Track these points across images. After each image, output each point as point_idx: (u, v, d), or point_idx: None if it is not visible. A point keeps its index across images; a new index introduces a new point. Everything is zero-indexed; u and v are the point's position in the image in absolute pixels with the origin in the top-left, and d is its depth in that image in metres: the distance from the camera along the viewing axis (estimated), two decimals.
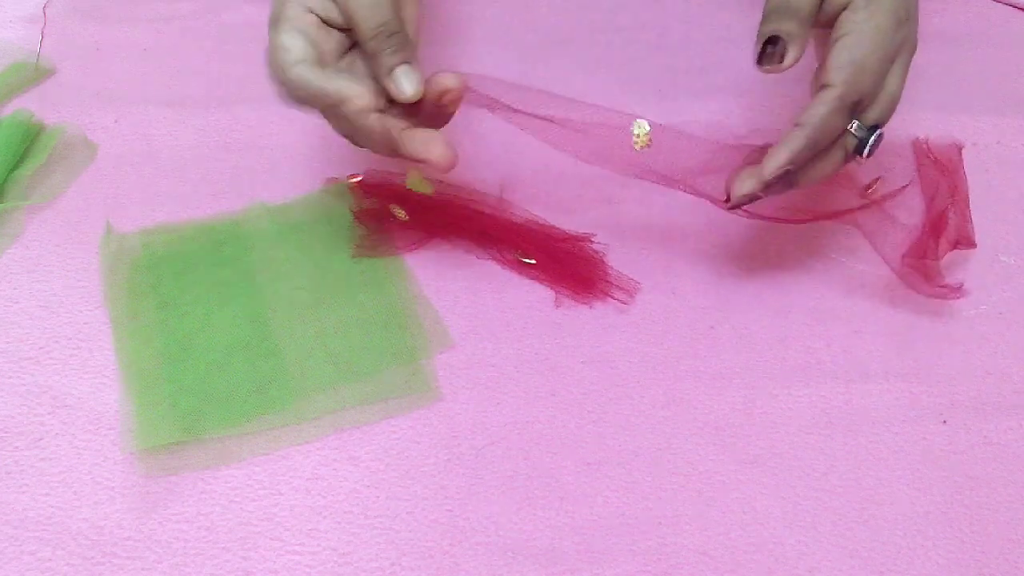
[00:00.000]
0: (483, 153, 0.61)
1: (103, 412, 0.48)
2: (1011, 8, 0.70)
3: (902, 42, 0.47)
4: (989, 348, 0.50)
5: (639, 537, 0.43)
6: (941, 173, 0.57)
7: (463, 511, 0.44)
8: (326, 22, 0.47)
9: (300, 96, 0.46)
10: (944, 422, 0.47)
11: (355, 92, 0.45)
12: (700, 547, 0.43)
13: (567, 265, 0.53)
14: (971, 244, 0.54)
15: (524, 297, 0.53)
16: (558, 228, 0.55)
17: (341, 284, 0.53)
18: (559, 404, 0.48)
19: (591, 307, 0.52)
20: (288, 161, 0.60)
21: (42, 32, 0.69)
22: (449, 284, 0.53)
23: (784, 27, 0.45)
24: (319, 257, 0.54)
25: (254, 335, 0.50)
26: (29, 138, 0.60)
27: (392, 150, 0.47)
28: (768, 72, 0.46)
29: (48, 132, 0.61)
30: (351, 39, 0.48)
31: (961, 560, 0.43)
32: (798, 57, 0.46)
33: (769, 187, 0.46)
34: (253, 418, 0.47)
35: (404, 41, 0.46)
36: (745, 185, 0.46)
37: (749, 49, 0.48)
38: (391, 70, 0.46)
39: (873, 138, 0.47)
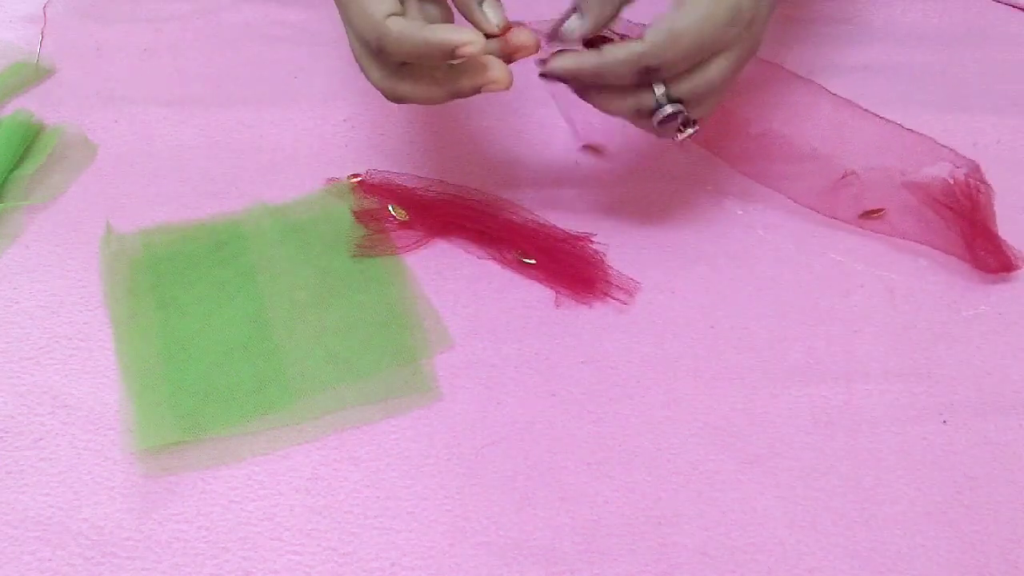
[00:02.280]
0: (483, 153, 0.61)
1: (103, 412, 0.48)
2: (1011, 8, 0.70)
3: (735, 39, 0.46)
4: (989, 348, 0.50)
5: (639, 537, 0.43)
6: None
7: (463, 511, 0.44)
8: None
9: (398, 48, 0.45)
10: (944, 422, 0.47)
11: (468, 37, 0.44)
12: (700, 547, 0.43)
13: (567, 265, 0.53)
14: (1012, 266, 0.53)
15: (524, 297, 0.53)
16: (558, 228, 0.55)
17: (341, 284, 0.53)
18: (559, 404, 0.48)
19: (591, 307, 0.52)
20: (288, 161, 0.60)
21: (42, 32, 0.69)
22: (449, 284, 0.53)
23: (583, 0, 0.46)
24: (319, 257, 0.54)
25: (254, 335, 0.50)
26: (29, 138, 0.60)
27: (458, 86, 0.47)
28: (557, 40, 0.46)
29: (48, 132, 0.61)
30: None
31: (961, 560, 0.43)
32: (587, 32, 0.46)
33: (562, 80, 0.47)
34: (253, 418, 0.47)
35: None
36: (557, 62, 0.47)
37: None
38: (481, 1, 0.46)
39: (671, 110, 0.47)
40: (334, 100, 0.64)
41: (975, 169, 0.54)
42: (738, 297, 0.53)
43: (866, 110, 0.59)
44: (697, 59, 0.46)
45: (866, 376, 0.49)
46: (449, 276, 0.54)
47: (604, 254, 0.54)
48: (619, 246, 0.55)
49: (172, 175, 0.60)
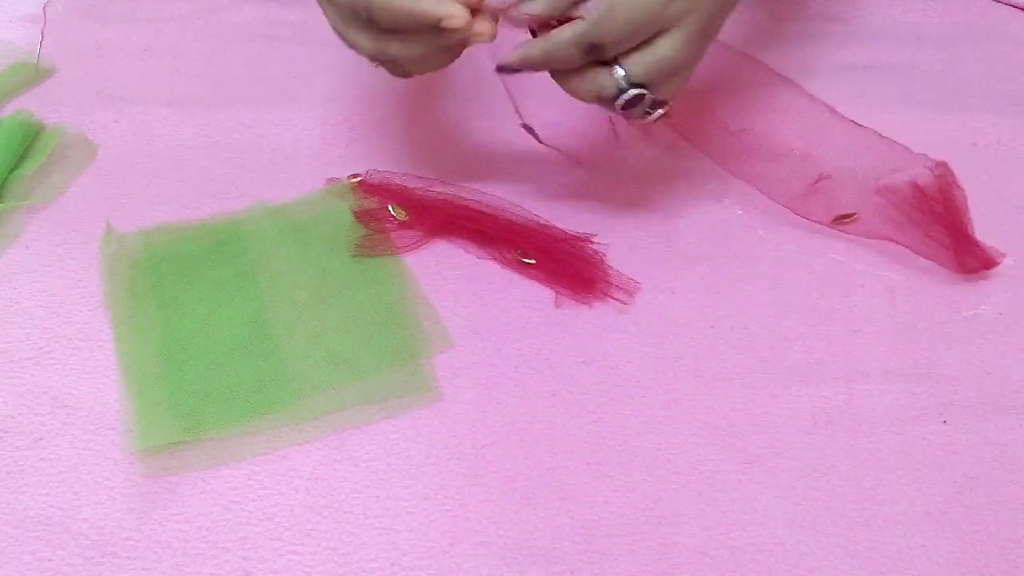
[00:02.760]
0: (483, 153, 0.61)
1: (103, 412, 0.48)
2: (1011, 8, 0.70)
3: (681, 14, 0.46)
4: (989, 348, 0.50)
5: (639, 537, 0.43)
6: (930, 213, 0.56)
7: (463, 511, 0.44)
8: None
9: (388, 16, 0.45)
10: (944, 422, 0.47)
11: (454, 11, 0.44)
12: (700, 547, 0.43)
13: (567, 265, 0.53)
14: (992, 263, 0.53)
15: (524, 297, 0.53)
16: (558, 228, 0.55)
17: (341, 284, 0.53)
18: (559, 404, 0.48)
19: (591, 307, 0.52)
20: (288, 161, 0.60)
21: (42, 32, 0.69)
22: (449, 284, 0.53)
23: None
24: (319, 257, 0.54)
25: (254, 335, 0.50)
26: (29, 138, 0.60)
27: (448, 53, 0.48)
28: (513, 19, 0.46)
29: (48, 132, 0.61)
30: None
31: (961, 560, 0.43)
32: (541, 11, 0.46)
33: (516, 71, 0.48)
34: (253, 418, 0.47)
35: None
36: (507, 58, 0.47)
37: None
38: None
39: (632, 95, 0.47)
40: (334, 100, 0.64)
41: (947, 172, 0.54)
42: (738, 297, 0.53)
43: (841, 115, 0.59)
44: (642, 34, 0.46)
45: (866, 376, 0.49)
46: (449, 276, 0.54)
47: (604, 254, 0.54)
48: (619, 246, 0.55)
49: (172, 175, 0.60)
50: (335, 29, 0.49)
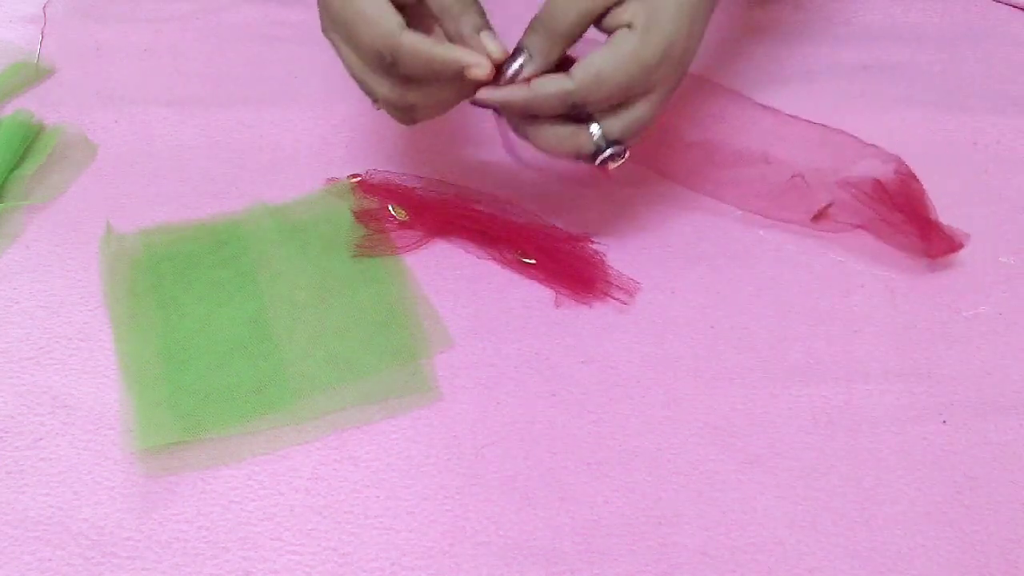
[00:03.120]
0: (483, 153, 0.61)
1: (103, 412, 0.48)
2: (1011, 8, 0.70)
3: (664, 78, 0.47)
4: (989, 348, 0.50)
5: (639, 537, 0.43)
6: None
7: (463, 511, 0.44)
8: None
9: (412, 62, 0.45)
10: (944, 422, 0.47)
11: (478, 60, 0.45)
12: (700, 547, 0.43)
13: (567, 265, 0.53)
14: (959, 245, 0.53)
15: (524, 297, 0.53)
16: (558, 228, 0.55)
17: (341, 284, 0.53)
18: (559, 404, 0.48)
19: (591, 307, 0.52)
20: (288, 161, 0.60)
21: (42, 32, 0.69)
22: (449, 284, 0.53)
23: (531, 40, 0.46)
24: (319, 257, 0.54)
25: (254, 335, 0.50)
26: (29, 138, 0.60)
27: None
28: (506, 82, 0.47)
29: (48, 132, 0.61)
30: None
31: (961, 560, 0.43)
32: (534, 72, 0.46)
33: (497, 111, 0.48)
34: (253, 418, 0.47)
35: (477, 2, 0.47)
36: (488, 94, 0.47)
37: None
38: (480, 30, 0.46)
39: (609, 152, 0.48)
40: (334, 100, 0.64)
41: (901, 164, 0.55)
42: (738, 297, 0.53)
43: (791, 116, 0.59)
44: (622, 98, 0.47)
45: (866, 376, 0.49)
46: (449, 276, 0.54)
47: (604, 254, 0.54)
48: (619, 246, 0.55)
49: (172, 175, 0.60)
50: (351, 73, 0.49)
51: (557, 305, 0.52)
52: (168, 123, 0.63)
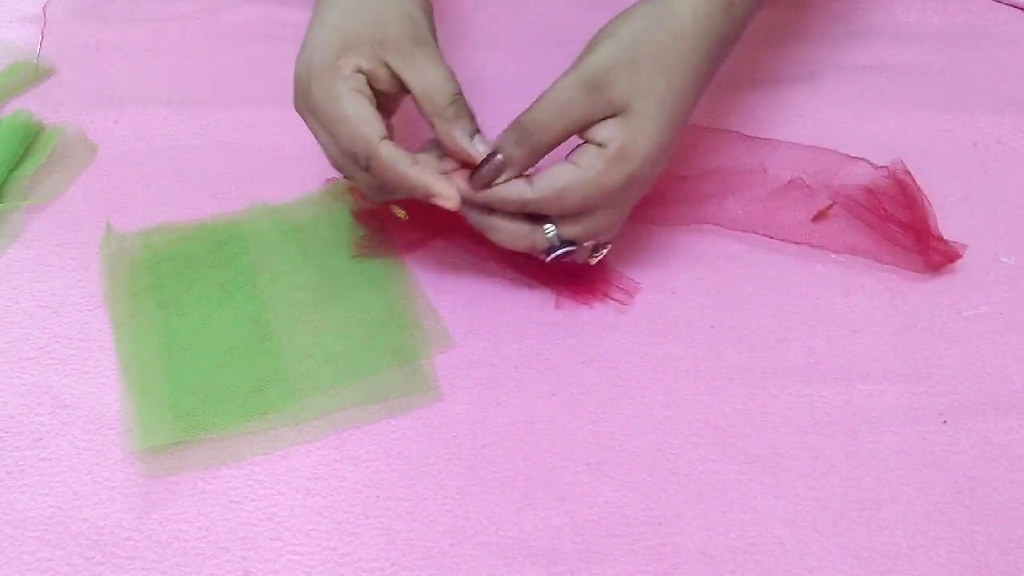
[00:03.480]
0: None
1: (103, 412, 0.48)
2: (1011, 8, 0.70)
3: (627, 199, 0.47)
4: (989, 348, 0.50)
5: (639, 537, 0.43)
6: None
7: (463, 511, 0.44)
8: (371, 83, 0.48)
9: (385, 174, 0.46)
10: (944, 422, 0.47)
11: (448, 192, 0.46)
12: (700, 547, 0.43)
13: (567, 265, 0.53)
14: (955, 255, 0.53)
15: (524, 297, 0.53)
16: None
17: (341, 284, 0.53)
18: (559, 404, 0.48)
19: (591, 307, 0.52)
20: (288, 161, 0.60)
21: (42, 32, 0.69)
22: (449, 284, 0.53)
23: (510, 149, 0.46)
24: (319, 257, 0.54)
25: (254, 335, 0.50)
26: (29, 138, 0.60)
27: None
28: (475, 188, 0.47)
29: (48, 132, 0.61)
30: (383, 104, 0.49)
31: (961, 560, 0.43)
32: (510, 179, 0.47)
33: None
34: (253, 418, 0.47)
35: (467, 106, 0.48)
36: (449, 188, 0.47)
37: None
38: (472, 135, 0.47)
39: (562, 251, 0.48)
40: None
41: (905, 171, 0.55)
42: (738, 297, 0.53)
43: (780, 141, 0.59)
44: (588, 212, 0.47)
45: (866, 376, 0.49)
46: (449, 276, 0.54)
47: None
48: (619, 246, 0.55)
49: (172, 175, 0.60)
50: (326, 153, 0.49)
51: (557, 305, 0.52)
52: (168, 123, 0.63)
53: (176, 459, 0.46)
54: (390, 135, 0.47)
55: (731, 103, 0.63)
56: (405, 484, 0.45)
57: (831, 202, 0.55)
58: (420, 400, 0.48)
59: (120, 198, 0.58)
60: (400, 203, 0.56)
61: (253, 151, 0.61)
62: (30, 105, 0.63)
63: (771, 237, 0.55)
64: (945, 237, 0.53)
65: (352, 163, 0.48)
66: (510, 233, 0.48)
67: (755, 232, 0.55)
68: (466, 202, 0.48)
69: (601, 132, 0.45)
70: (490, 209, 0.48)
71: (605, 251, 0.50)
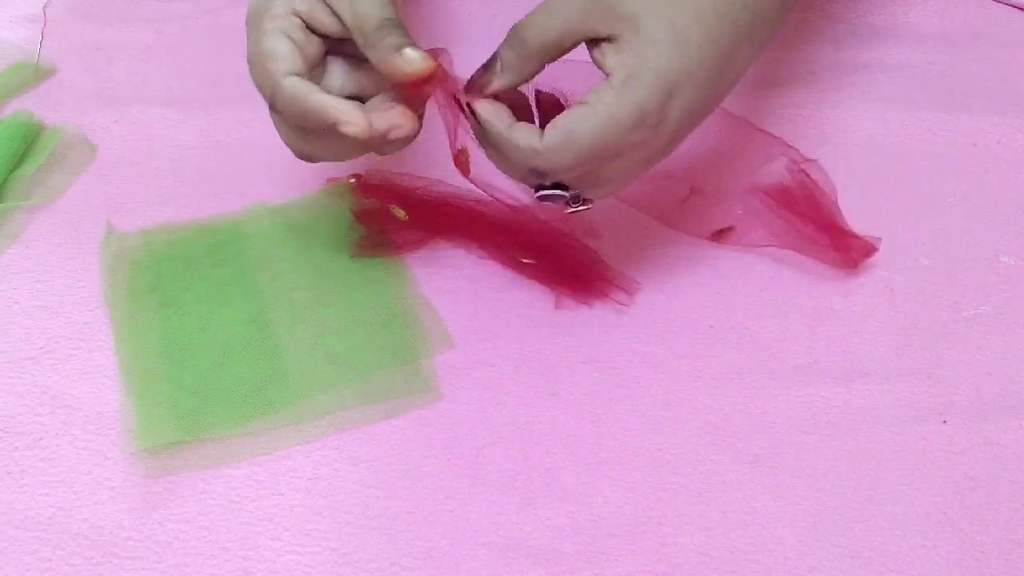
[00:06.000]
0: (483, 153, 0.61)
1: (103, 412, 0.48)
2: (1011, 8, 0.70)
3: (641, 142, 0.43)
4: (989, 348, 0.50)
5: (639, 537, 0.43)
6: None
7: (463, 511, 0.44)
8: (309, 26, 0.46)
9: (289, 109, 0.45)
10: (944, 422, 0.47)
11: (354, 117, 0.43)
12: (700, 547, 0.43)
13: (567, 265, 0.53)
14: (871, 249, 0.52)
15: (524, 297, 0.53)
16: (558, 228, 0.55)
17: (341, 284, 0.53)
18: (559, 404, 0.48)
19: (591, 307, 0.52)
20: (288, 161, 0.60)
21: (42, 32, 0.69)
22: (449, 284, 0.53)
23: (505, 52, 0.44)
24: (319, 257, 0.54)
25: (254, 335, 0.50)
26: (29, 138, 0.60)
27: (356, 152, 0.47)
28: (468, 89, 0.45)
29: (48, 132, 0.61)
30: (327, 47, 0.47)
31: (961, 560, 0.42)
32: (504, 86, 0.44)
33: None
34: (253, 418, 0.47)
35: (406, 31, 0.45)
36: (484, 106, 0.45)
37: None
38: (400, 48, 0.43)
39: (551, 193, 0.46)
40: None
41: (809, 169, 0.54)
42: (738, 297, 0.53)
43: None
44: (593, 165, 0.44)
45: (866, 376, 0.49)
46: (449, 276, 0.54)
47: (604, 254, 0.54)
48: (619, 246, 0.55)
49: (172, 175, 0.60)
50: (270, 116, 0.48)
51: (557, 305, 0.52)
52: (168, 123, 0.63)
53: (176, 459, 0.46)
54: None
55: (731, 103, 0.62)
56: (405, 484, 0.45)
57: (729, 224, 0.54)
58: (420, 400, 0.48)
59: (120, 198, 0.58)
60: (400, 203, 0.56)
61: (253, 151, 0.61)
62: (30, 105, 0.63)
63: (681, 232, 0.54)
64: (944, 237, 0.53)
65: (273, 114, 0.46)
66: (509, 166, 0.46)
67: (666, 225, 0.54)
68: (484, 127, 0.45)
69: (609, 59, 0.43)
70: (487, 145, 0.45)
71: (584, 207, 0.47)
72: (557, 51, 0.44)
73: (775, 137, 0.56)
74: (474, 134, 0.47)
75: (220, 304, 0.52)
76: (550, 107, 0.47)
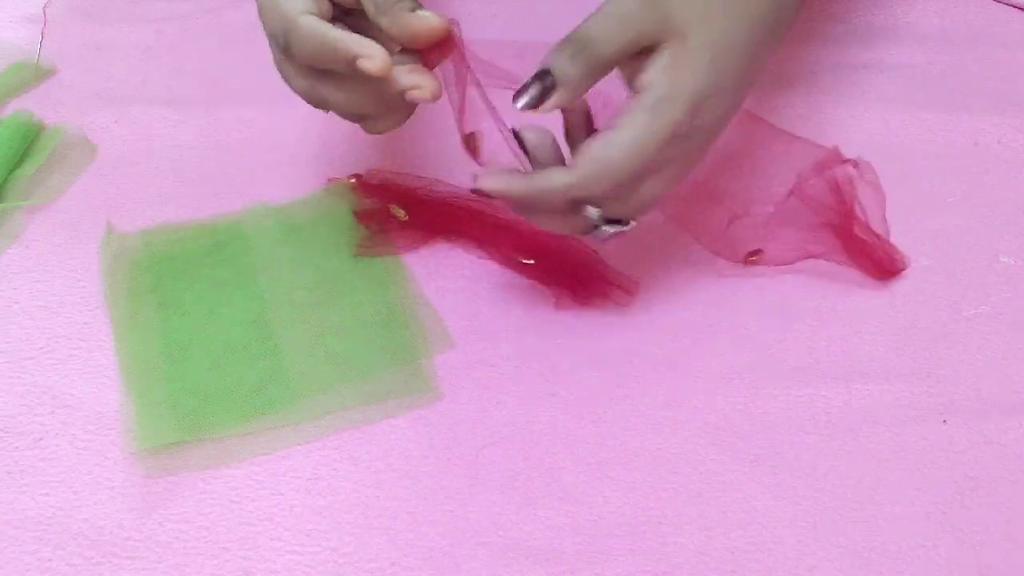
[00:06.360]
0: (483, 152, 0.61)
1: (103, 412, 0.48)
2: (1011, 8, 0.70)
3: (675, 157, 0.43)
4: (989, 348, 0.50)
5: (639, 537, 0.43)
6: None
7: (463, 511, 0.44)
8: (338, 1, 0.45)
9: (305, 48, 0.43)
10: (944, 422, 0.47)
11: (372, 51, 0.41)
12: (700, 547, 0.43)
13: (567, 265, 0.53)
14: (895, 269, 0.53)
15: (524, 297, 0.53)
16: None
17: (341, 284, 0.53)
18: (559, 404, 0.48)
19: (591, 307, 0.52)
20: (288, 161, 0.60)
21: (42, 32, 0.69)
22: (449, 284, 0.53)
23: (561, 65, 0.41)
24: (319, 257, 0.54)
25: (254, 335, 0.50)
26: (29, 138, 0.60)
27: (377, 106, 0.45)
28: (521, 110, 0.42)
29: (48, 132, 0.61)
30: (334, 15, 0.46)
31: (961, 560, 0.43)
32: (559, 105, 0.42)
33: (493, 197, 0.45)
34: (253, 418, 0.47)
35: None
36: (487, 182, 0.44)
37: None
38: (414, 8, 0.42)
39: (611, 231, 0.45)
40: None
41: (855, 170, 0.54)
42: (738, 297, 0.53)
43: (758, 118, 0.57)
44: (636, 182, 0.43)
45: (866, 376, 0.49)
46: (449, 276, 0.54)
47: (604, 254, 0.54)
48: (619, 246, 0.55)
49: (172, 175, 0.60)
50: (276, 63, 0.47)
51: (557, 305, 0.52)
52: (168, 123, 0.63)
53: (176, 459, 0.46)
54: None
55: None
56: (405, 484, 0.45)
57: (759, 248, 0.53)
58: (420, 400, 0.48)
59: (120, 198, 0.58)
60: (400, 203, 0.56)
61: (253, 151, 0.61)
62: (30, 105, 0.63)
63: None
64: (944, 237, 0.53)
65: (284, 57, 0.44)
66: (550, 221, 0.45)
67: (709, 249, 0.54)
68: (505, 196, 0.44)
69: (647, 74, 0.42)
70: (528, 205, 0.44)
71: (626, 227, 0.46)
72: (618, 61, 0.42)
73: (817, 145, 0.56)
74: (517, 157, 0.45)
75: (220, 304, 0.52)
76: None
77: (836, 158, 0.55)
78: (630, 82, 0.43)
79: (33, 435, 0.47)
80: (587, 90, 0.43)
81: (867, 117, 0.62)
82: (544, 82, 0.41)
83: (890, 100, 0.63)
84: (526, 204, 0.45)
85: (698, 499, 0.45)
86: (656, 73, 0.42)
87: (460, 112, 0.47)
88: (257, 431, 0.47)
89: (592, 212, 0.44)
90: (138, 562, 0.43)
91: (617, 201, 0.44)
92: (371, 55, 0.41)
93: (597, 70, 0.42)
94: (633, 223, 0.46)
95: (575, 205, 0.44)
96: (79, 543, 0.43)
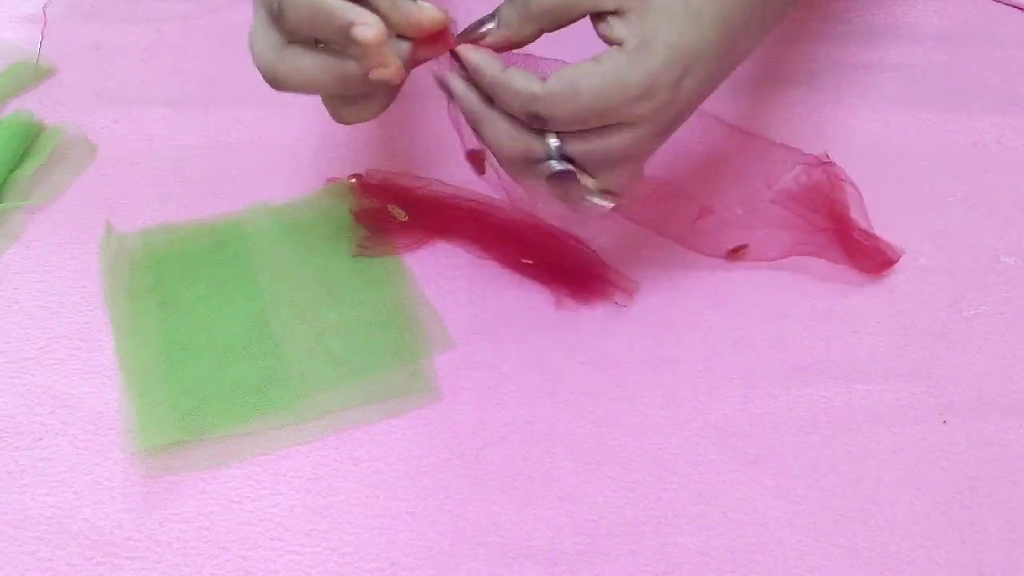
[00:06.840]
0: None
1: (103, 412, 0.48)
2: (1011, 8, 0.70)
3: (645, 116, 0.42)
4: (989, 348, 0.50)
5: (639, 537, 0.43)
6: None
7: (463, 511, 0.44)
8: None
9: (298, 14, 0.42)
10: (944, 422, 0.47)
11: (368, 19, 0.41)
12: (700, 547, 0.43)
13: (567, 265, 0.53)
14: (889, 262, 0.53)
15: (524, 297, 0.53)
16: (558, 228, 0.55)
17: (341, 284, 0.53)
18: (559, 404, 0.48)
19: (591, 307, 0.52)
20: (288, 161, 0.60)
21: (42, 32, 0.69)
22: (449, 284, 0.53)
23: (505, 9, 0.43)
24: (319, 257, 0.54)
25: (254, 335, 0.50)
26: (29, 138, 0.60)
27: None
28: (457, 39, 0.43)
29: (48, 132, 0.61)
30: None
31: (961, 560, 0.43)
32: (498, 42, 0.43)
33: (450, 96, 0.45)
34: (253, 418, 0.47)
35: None
36: (467, 50, 0.44)
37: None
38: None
39: (558, 167, 0.43)
40: None
41: (834, 170, 0.54)
42: (738, 297, 0.53)
43: (731, 125, 0.57)
44: (595, 123, 0.42)
45: (866, 376, 0.49)
46: (449, 276, 0.54)
47: (604, 254, 0.54)
48: (619, 246, 0.55)
49: (172, 175, 0.60)
50: (249, 37, 0.45)
51: (557, 305, 0.52)
52: (168, 123, 0.63)
53: (176, 459, 0.46)
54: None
55: (731, 103, 0.62)
56: (405, 484, 0.45)
57: (743, 243, 0.53)
58: (420, 400, 0.48)
59: (120, 198, 0.58)
60: (400, 203, 0.56)
61: (253, 151, 0.61)
62: (30, 105, 0.63)
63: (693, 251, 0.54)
64: (944, 237, 0.53)
65: (266, 25, 0.44)
66: (506, 132, 0.44)
67: (682, 245, 0.54)
68: (475, 72, 0.43)
69: (619, 30, 0.41)
70: (491, 100, 0.43)
71: (607, 203, 0.45)
72: (560, 18, 0.43)
73: (791, 148, 0.56)
74: (463, 112, 0.45)
75: (220, 304, 0.52)
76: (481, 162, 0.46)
77: (813, 160, 0.54)
78: (608, 42, 0.43)
79: (33, 435, 0.47)
80: (528, 39, 0.43)
81: (867, 117, 0.62)
82: (487, 20, 0.43)
83: (890, 100, 0.63)
84: (487, 92, 0.44)
85: (698, 499, 0.45)
86: (625, 27, 0.41)
87: (461, 127, 0.47)
88: (257, 431, 0.47)
89: (551, 140, 0.43)
90: (138, 562, 0.43)
91: (578, 138, 0.43)
92: (367, 22, 0.41)
93: (535, 19, 0.43)
94: (607, 202, 0.45)
95: (535, 122, 0.43)
96: (79, 543, 0.43)
